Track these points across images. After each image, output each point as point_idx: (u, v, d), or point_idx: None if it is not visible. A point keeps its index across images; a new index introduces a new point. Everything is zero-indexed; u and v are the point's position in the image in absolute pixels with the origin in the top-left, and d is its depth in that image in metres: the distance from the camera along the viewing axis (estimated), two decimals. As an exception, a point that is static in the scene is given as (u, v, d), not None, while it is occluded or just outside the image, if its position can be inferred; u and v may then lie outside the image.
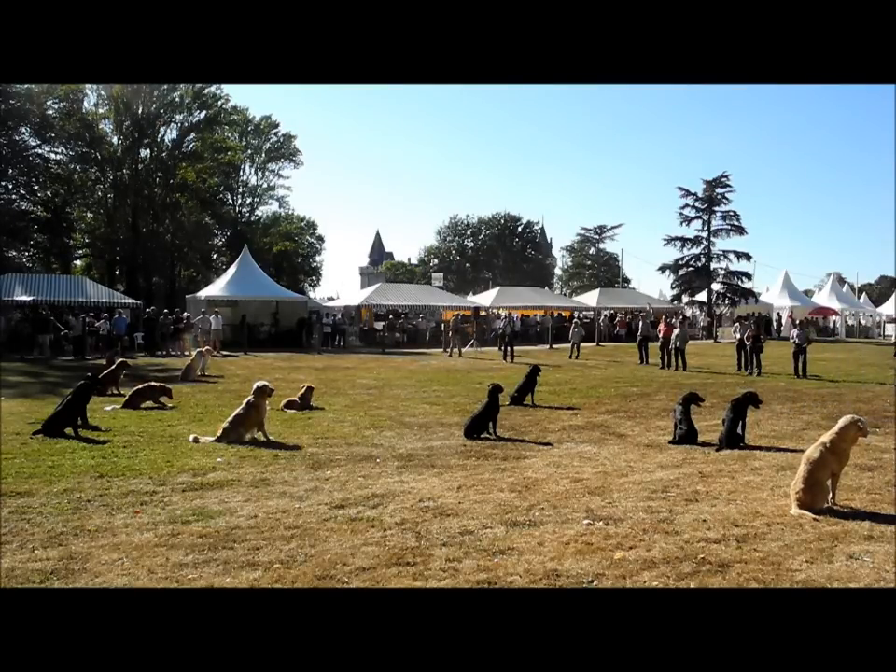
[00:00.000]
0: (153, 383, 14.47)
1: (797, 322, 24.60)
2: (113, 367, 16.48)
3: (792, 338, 22.32)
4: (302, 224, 73.74)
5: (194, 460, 9.00)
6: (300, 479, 8.11)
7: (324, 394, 15.71)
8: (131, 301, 35.68)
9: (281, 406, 13.33)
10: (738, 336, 23.47)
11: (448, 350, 31.10)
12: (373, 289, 43.64)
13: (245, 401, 10.58)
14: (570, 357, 28.37)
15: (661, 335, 24.69)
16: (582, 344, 30.49)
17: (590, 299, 52.33)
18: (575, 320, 33.72)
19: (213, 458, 9.12)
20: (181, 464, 8.76)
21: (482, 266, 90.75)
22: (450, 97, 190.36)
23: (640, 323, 28.00)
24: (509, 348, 27.76)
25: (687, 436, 10.38)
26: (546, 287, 75.45)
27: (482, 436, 10.77)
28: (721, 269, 56.25)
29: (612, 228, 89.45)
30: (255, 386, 10.61)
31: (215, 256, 63.57)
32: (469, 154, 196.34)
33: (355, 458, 9.27)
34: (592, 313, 48.16)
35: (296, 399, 13.82)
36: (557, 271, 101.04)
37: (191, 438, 10.20)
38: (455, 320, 32.30)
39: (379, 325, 39.53)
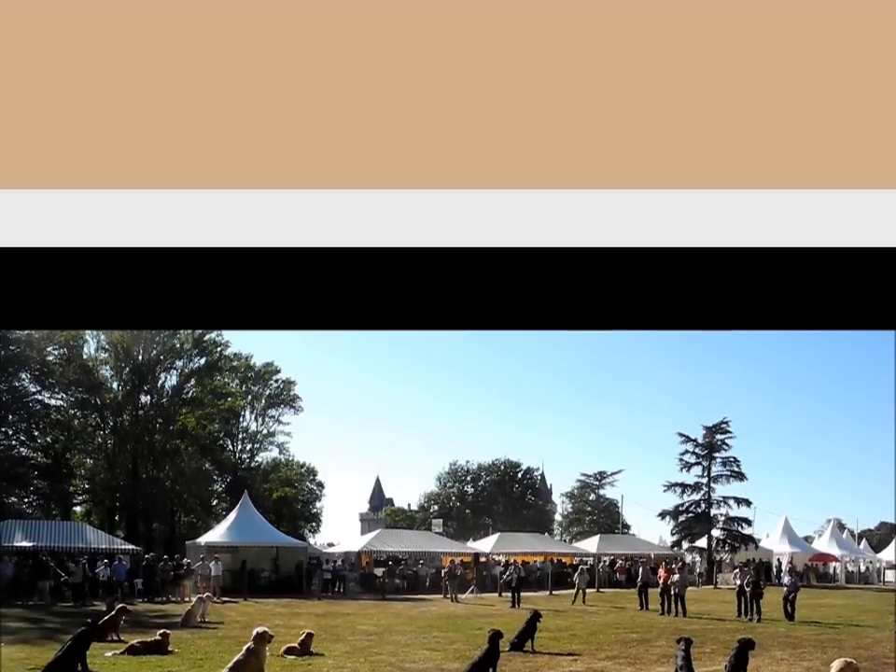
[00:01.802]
0: (166, 631, 14.53)
1: (790, 569, 24.80)
2: (113, 612, 16.54)
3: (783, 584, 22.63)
4: (302, 470, 73.69)
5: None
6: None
7: (324, 640, 15.67)
8: (131, 546, 35.31)
9: (281, 652, 13.38)
10: (738, 582, 23.47)
11: (449, 596, 30.63)
12: (373, 535, 43.20)
13: (244, 648, 10.65)
14: (573, 602, 27.88)
15: (660, 580, 24.66)
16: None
17: (590, 545, 51.35)
18: (581, 566, 33.52)
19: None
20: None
21: (482, 512, 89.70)
22: (448, 346, 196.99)
23: (640, 569, 27.91)
24: (516, 594, 27.22)
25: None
26: (546, 533, 74.23)
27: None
28: (722, 515, 55.68)
29: (612, 474, 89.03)
30: (254, 632, 10.76)
31: (215, 502, 62.90)
32: (469, 400, 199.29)
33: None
34: (592, 559, 47.42)
35: (296, 644, 13.90)
36: (557, 516, 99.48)
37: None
38: (452, 565, 32.07)
39: (379, 571, 38.96)
